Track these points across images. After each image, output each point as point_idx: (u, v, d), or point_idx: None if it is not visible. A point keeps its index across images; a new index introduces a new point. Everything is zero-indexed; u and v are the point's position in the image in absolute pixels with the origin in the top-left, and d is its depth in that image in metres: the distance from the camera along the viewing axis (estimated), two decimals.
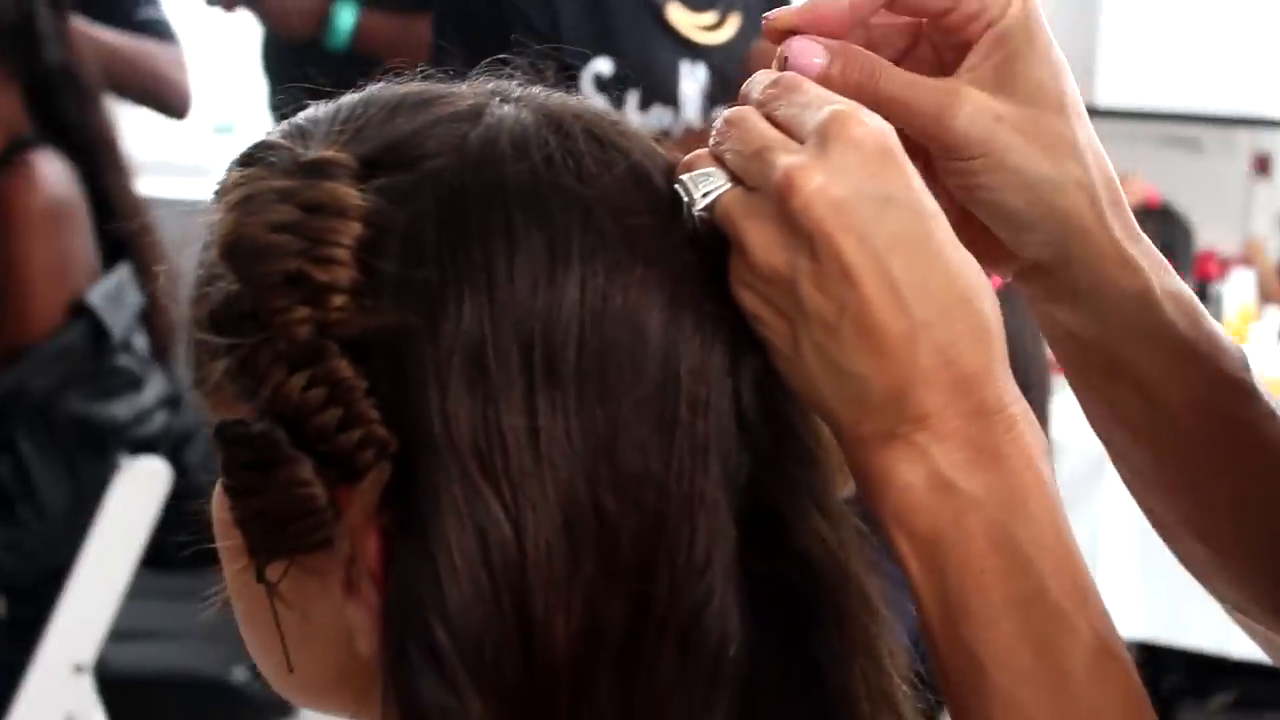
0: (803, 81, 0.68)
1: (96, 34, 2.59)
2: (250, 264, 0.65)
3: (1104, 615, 0.65)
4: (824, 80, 0.69)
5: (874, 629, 0.71)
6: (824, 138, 0.64)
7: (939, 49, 0.74)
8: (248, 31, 3.03)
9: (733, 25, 2.23)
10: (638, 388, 0.64)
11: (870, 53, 0.71)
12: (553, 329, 0.64)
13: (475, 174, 0.66)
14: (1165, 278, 0.75)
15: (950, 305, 0.64)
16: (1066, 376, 0.80)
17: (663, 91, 2.12)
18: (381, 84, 0.72)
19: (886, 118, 0.67)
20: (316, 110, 0.71)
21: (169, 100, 2.77)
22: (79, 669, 2.28)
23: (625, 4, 2.13)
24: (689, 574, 0.65)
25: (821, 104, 0.66)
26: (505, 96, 0.70)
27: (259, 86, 3.01)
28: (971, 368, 0.64)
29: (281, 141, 0.69)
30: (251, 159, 0.68)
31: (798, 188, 0.63)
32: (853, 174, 0.64)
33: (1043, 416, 1.95)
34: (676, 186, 0.67)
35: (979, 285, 0.65)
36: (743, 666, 0.67)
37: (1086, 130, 0.73)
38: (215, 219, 0.67)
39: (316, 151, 0.67)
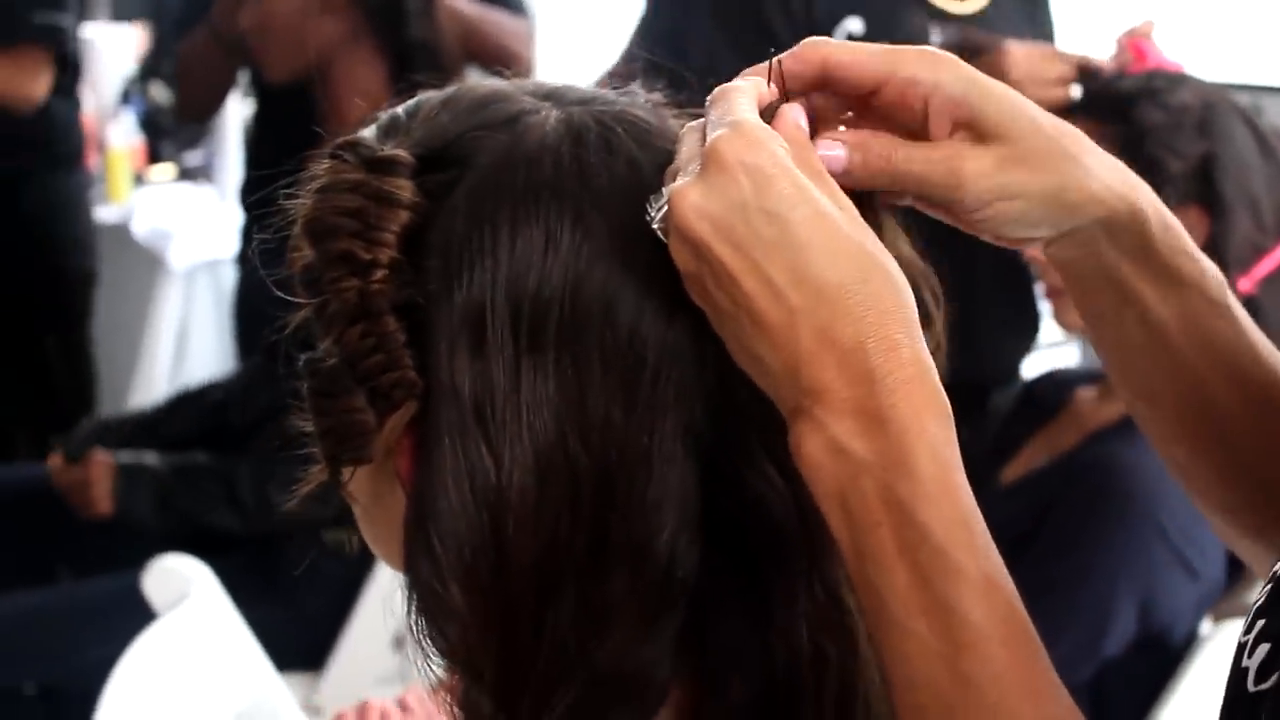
0: (727, 93, 0.79)
1: (460, 6, 2.76)
2: (318, 240, 0.80)
3: (988, 552, 0.72)
4: (849, 173, 0.80)
5: (822, 566, 0.81)
6: (704, 161, 0.75)
7: (892, 114, 0.82)
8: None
9: None
10: (606, 356, 0.77)
11: (886, 136, 0.81)
12: (539, 305, 0.77)
13: (497, 176, 0.80)
14: (1159, 207, 0.85)
15: (825, 290, 0.72)
16: (1083, 313, 0.90)
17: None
18: (465, 83, 0.87)
19: (907, 189, 0.79)
20: (409, 105, 0.86)
21: (514, 70, 2.94)
22: None
23: None
24: (643, 509, 0.77)
25: (719, 124, 0.76)
26: (558, 100, 0.83)
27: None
28: (851, 342, 0.72)
29: (366, 138, 0.83)
30: (337, 152, 0.82)
31: (675, 207, 0.75)
32: (727, 190, 0.74)
33: None
34: (646, 210, 0.78)
35: (859, 268, 0.73)
36: (696, 587, 0.79)
37: (1056, 126, 0.82)
38: (303, 200, 0.82)
39: (389, 149, 0.81)
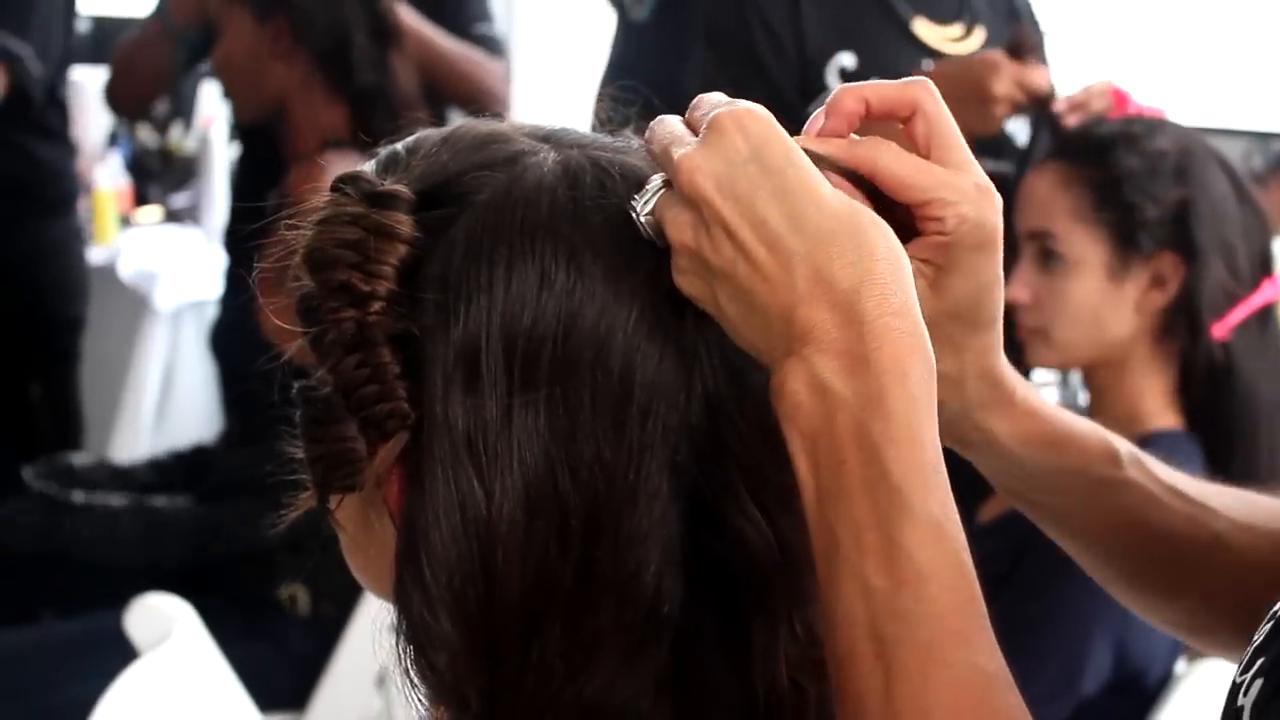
0: (707, 95, 0.82)
1: (437, 46, 2.77)
2: (318, 270, 0.83)
3: (943, 500, 0.75)
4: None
5: (803, 605, 0.83)
6: (707, 130, 0.78)
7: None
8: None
9: (979, 36, 2.25)
10: (597, 394, 0.79)
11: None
12: (533, 342, 0.79)
13: (495, 214, 0.82)
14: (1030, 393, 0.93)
15: (821, 236, 0.76)
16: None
17: None
18: (465, 122, 0.89)
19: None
20: (409, 142, 0.88)
21: (489, 110, 2.94)
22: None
23: (870, 17, 2.19)
24: (629, 543, 0.79)
25: (713, 107, 0.80)
26: (556, 143, 0.86)
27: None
28: (845, 284, 0.75)
29: (366, 173, 0.86)
30: (339, 185, 0.85)
31: (680, 167, 0.77)
32: (727, 152, 0.77)
33: None
34: (630, 206, 0.81)
35: (853, 220, 0.77)
36: (678, 624, 0.81)
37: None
38: (304, 231, 0.84)
39: (389, 184, 0.84)
